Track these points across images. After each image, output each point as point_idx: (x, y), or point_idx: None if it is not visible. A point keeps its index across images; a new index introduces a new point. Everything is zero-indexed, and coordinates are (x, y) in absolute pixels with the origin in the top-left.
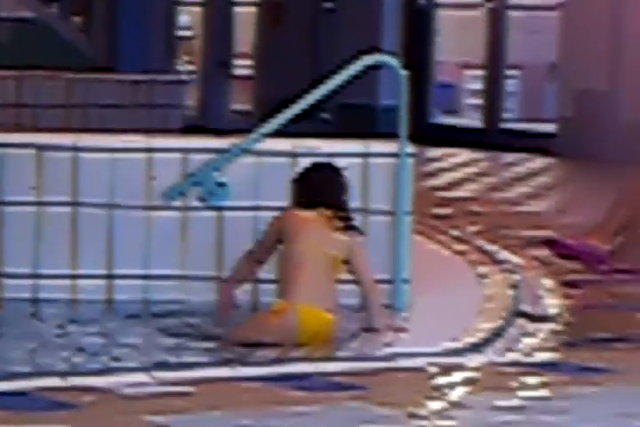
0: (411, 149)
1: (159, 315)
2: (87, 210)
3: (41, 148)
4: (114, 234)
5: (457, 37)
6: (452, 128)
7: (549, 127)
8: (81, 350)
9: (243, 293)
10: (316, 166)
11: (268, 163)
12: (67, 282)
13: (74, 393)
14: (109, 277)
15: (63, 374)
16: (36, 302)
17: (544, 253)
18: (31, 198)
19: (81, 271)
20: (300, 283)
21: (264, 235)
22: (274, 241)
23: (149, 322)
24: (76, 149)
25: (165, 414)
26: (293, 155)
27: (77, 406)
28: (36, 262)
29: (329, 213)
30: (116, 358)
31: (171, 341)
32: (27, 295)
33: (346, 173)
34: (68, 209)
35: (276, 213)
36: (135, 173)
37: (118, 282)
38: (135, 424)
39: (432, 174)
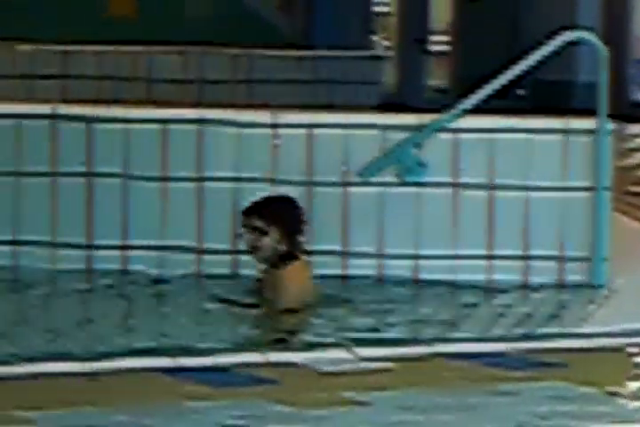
0: (611, 125)
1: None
2: (285, 188)
3: (241, 125)
4: (312, 210)
5: None
6: None
7: None
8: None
9: None
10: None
11: (466, 139)
12: None
13: (274, 369)
14: (310, 253)
15: (263, 350)
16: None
17: None
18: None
19: None
20: None
21: None
22: None
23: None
24: (275, 125)
25: (366, 390)
26: (491, 131)
27: (277, 381)
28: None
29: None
30: (317, 334)
31: (366, 319)
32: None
33: (546, 150)
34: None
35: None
36: (332, 149)
37: (317, 258)
38: (336, 401)
39: (632, 151)
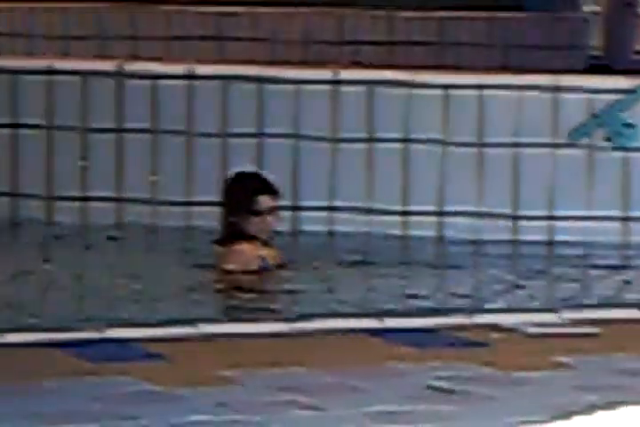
0: None
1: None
2: (492, 150)
3: (447, 86)
4: (520, 172)
5: None
6: None
7: None
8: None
9: None
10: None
11: None
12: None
13: (480, 331)
14: (515, 218)
15: (470, 312)
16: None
17: None
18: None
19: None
20: None
21: None
22: None
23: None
24: (480, 86)
25: (572, 353)
26: None
27: (484, 343)
28: (442, 201)
29: None
30: (525, 297)
31: (571, 284)
32: (431, 234)
33: None
34: (473, 150)
35: None
36: (541, 112)
37: (523, 223)
38: (542, 364)
39: None
